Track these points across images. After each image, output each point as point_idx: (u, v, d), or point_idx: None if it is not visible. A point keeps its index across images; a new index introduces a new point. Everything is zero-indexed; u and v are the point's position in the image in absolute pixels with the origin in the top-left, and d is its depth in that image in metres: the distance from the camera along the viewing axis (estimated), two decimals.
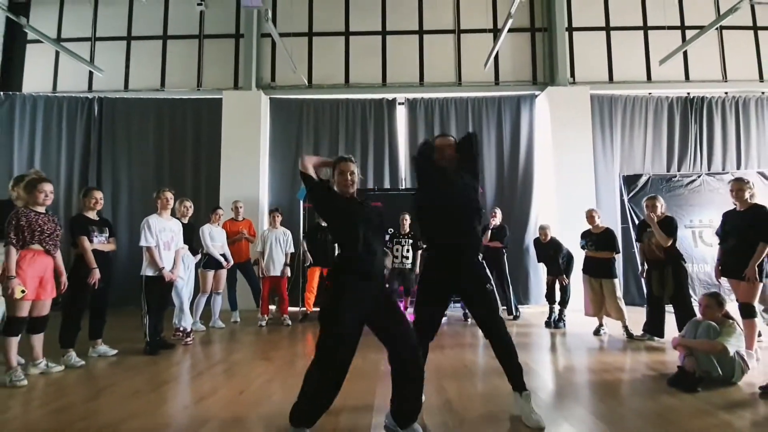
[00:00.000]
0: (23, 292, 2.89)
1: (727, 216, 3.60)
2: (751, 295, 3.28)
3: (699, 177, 6.91)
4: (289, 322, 5.22)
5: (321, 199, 2.17)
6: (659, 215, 4.14)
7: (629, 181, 7.04)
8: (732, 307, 3.25)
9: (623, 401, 2.60)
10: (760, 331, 3.58)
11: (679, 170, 7.11)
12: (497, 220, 5.63)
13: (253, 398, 2.63)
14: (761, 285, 3.31)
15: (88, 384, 2.97)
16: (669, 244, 3.97)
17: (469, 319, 5.51)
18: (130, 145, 7.16)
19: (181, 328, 4.31)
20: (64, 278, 3.25)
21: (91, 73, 7.41)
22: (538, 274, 6.52)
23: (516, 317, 5.56)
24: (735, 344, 2.74)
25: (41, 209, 3.11)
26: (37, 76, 7.53)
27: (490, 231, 5.52)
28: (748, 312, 3.27)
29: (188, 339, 4.21)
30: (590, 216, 4.63)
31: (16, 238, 2.94)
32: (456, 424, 2.22)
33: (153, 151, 7.15)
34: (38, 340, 3.11)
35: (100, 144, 7.13)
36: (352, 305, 1.96)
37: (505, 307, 5.46)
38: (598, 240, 4.52)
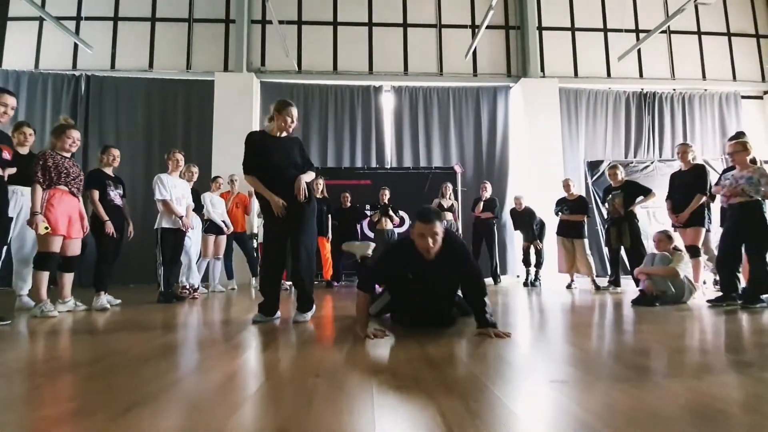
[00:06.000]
0: (47, 228, 2.99)
1: (674, 176, 4.25)
2: (695, 239, 3.92)
3: (652, 163, 7.77)
4: (287, 287, 5.48)
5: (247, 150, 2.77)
6: (620, 181, 4.79)
7: (592, 166, 7.80)
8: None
9: (597, 314, 3.11)
10: (705, 280, 4.26)
11: (635, 157, 7.94)
12: (488, 192, 6.15)
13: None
14: (704, 230, 3.95)
15: (116, 318, 3.16)
16: (655, 195, 4.58)
17: None
18: (119, 123, 7.20)
19: (188, 285, 4.51)
20: (85, 221, 3.41)
21: (75, 51, 7.41)
22: (514, 247, 7.11)
23: (497, 283, 6.07)
24: (684, 269, 3.33)
25: (67, 154, 3.28)
26: (17, 53, 7.41)
27: (482, 203, 6.02)
28: (693, 252, 3.90)
29: (195, 294, 4.42)
30: (566, 185, 5.25)
31: (42, 178, 3.08)
32: None
33: (142, 130, 7.23)
34: (68, 278, 3.27)
35: (87, 122, 7.12)
36: (268, 215, 2.72)
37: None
38: (573, 205, 5.13)
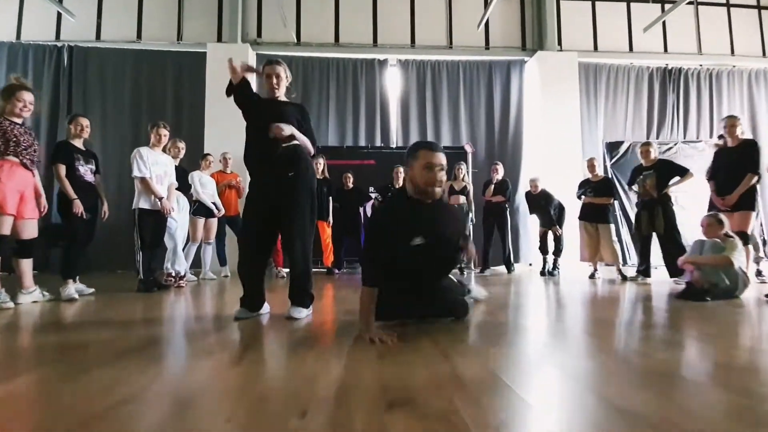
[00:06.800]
0: None
1: (719, 153, 3.76)
2: (745, 224, 3.46)
3: (675, 145, 7.24)
4: (284, 275, 5.08)
5: (238, 100, 2.33)
6: (652, 160, 4.30)
7: (611, 147, 7.27)
8: None
9: (638, 313, 2.66)
10: (760, 270, 3.83)
11: (657, 138, 7.39)
12: (499, 174, 5.65)
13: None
14: (754, 215, 3.49)
15: (89, 311, 2.74)
16: (693, 176, 4.05)
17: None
18: (104, 97, 6.71)
19: (173, 273, 4.09)
20: (43, 200, 2.99)
21: (59, 20, 6.88)
22: (528, 233, 6.65)
23: (510, 271, 5.63)
24: (738, 258, 2.88)
25: (18, 120, 2.83)
26: None
27: (492, 186, 5.54)
28: (743, 240, 3.43)
29: (181, 282, 4.01)
30: (591, 164, 4.76)
31: None
32: None
33: (130, 105, 6.74)
34: (27, 265, 2.84)
35: (71, 96, 6.64)
36: (250, 202, 2.31)
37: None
38: (597, 187, 4.65)
